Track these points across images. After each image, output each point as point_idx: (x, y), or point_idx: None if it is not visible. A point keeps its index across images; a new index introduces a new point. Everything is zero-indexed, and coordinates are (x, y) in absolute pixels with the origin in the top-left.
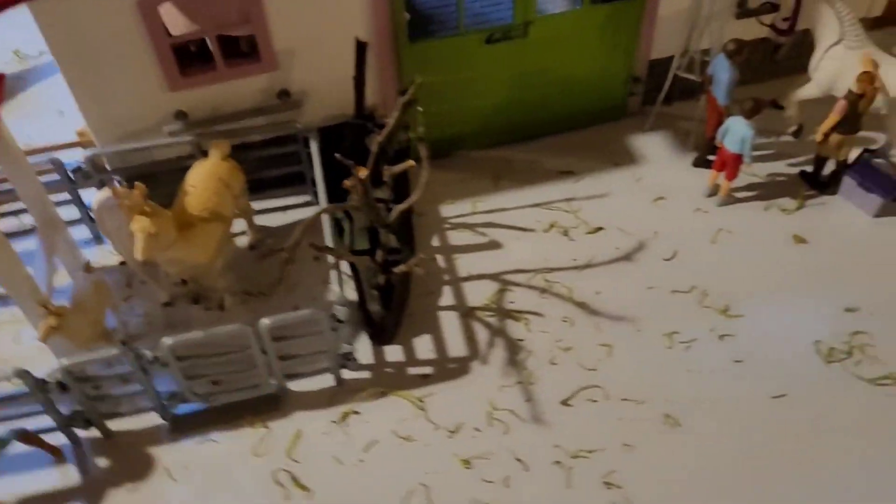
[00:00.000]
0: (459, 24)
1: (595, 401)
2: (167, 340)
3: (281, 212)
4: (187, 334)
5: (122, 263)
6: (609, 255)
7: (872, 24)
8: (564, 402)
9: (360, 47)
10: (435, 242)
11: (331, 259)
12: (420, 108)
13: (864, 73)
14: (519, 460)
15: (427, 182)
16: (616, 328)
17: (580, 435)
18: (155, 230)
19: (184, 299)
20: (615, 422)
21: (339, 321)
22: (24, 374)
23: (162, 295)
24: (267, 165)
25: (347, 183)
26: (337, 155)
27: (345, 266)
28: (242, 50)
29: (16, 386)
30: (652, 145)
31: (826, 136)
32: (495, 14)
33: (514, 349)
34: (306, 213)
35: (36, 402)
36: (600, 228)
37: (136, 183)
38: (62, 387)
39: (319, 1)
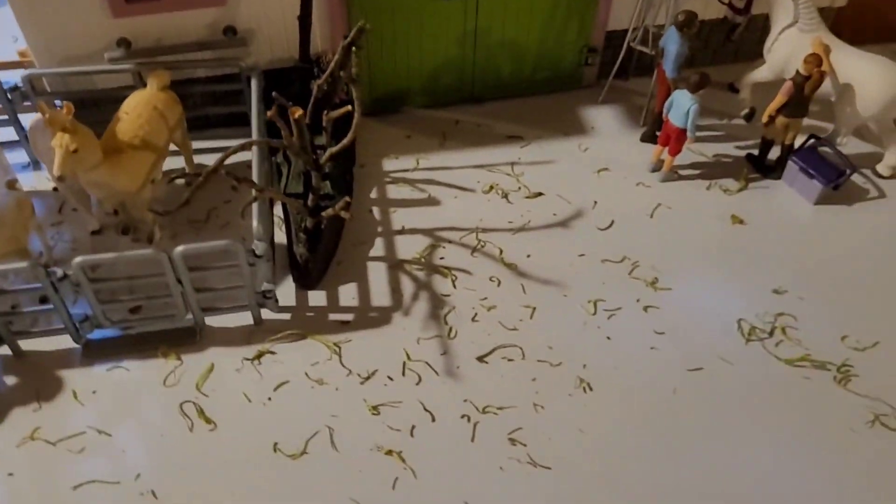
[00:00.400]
0: None
1: (511, 360)
2: (77, 259)
3: (223, 152)
4: (99, 255)
5: (55, 189)
6: (545, 221)
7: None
8: (480, 359)
9: None
10: (373, 195)
11: (253, 193)
12: (355, 49)
13: (811, 55)
14: (427, 411)
15: (359, 125)
16: (542, 291)
17: (492, 392)
18: (75, 147)
19: (113, 229)
20: (529, 382)
21: (257, 256)
22: None
23: (91, 223)
24: (210, 103)
25: (270, 113)
26: (274, 93)
27: (279, 210)
28: None
29: None
30: (603, 117)
31: (772, 117)
32: None
33: (437, 303)
34: (247, 154)
35: None
36: (540, 194)
37: (65, 102)
38: None
39: None
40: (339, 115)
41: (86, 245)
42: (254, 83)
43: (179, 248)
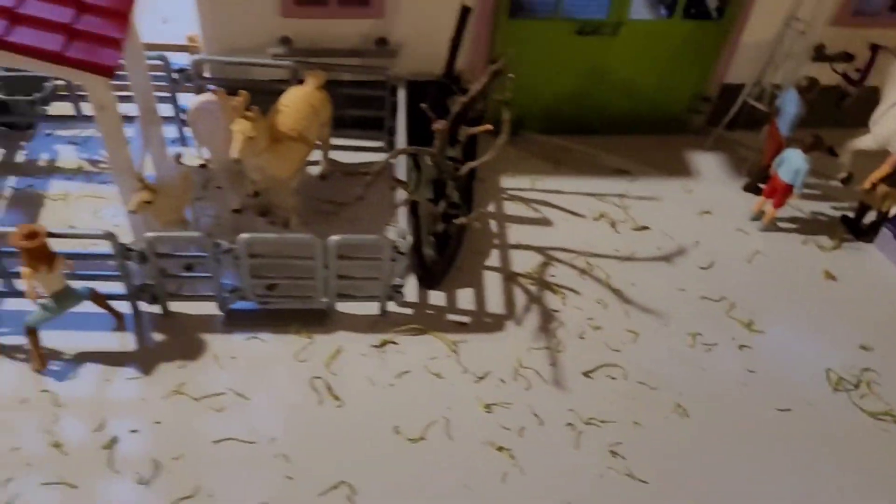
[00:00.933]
0: (558, 10)
1: (614, 378)
2: (244, 236)
3: (352, 151)
4: (263, 234)
5: (202, 166)
6: (649, 253)
7: None
8: (586, 374)
9: (464, 12)
10: (490, 208)
11: (401, 197)
12: (511, 76)
13: None
14: (535, 415)
15: (502, 145)
16: (644, 319)
17: (595, 405)
18: (254, 134)
19: (252, 210)
20: (629, 400)
21: (400, 253)
22: (111, 237)
23: (234, 202)
24: (350, 105)
25: (437, 126)
26: (422, 105)
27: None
28: None
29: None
30: (708, 163)
31: (874, 185)
32: (589, 8)
33: (547, 317)
34: (377, 156)
35: (115, 267)
36: (646, 227)
37: (241, 91)
38: (142, 257)
39: None
40: (479, 132)
41: (226, 221)
42: (401, 93)
43: (335, 238)
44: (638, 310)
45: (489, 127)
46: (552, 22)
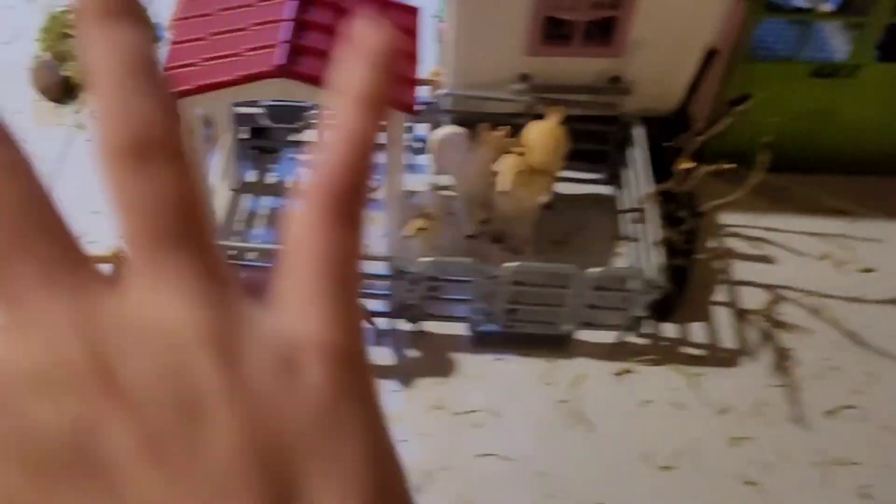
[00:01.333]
0: (799, 53)
1: (857, 420)
2: (510, 265)
3: (569, 182)
4: (526, 263)
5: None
6: (879, 297)
7: None
8: (827, 414)
9: (711, 55)
10: (711, 243)
11: (658, 235)
12: (775, 119)
13: None
14: (780, 452)
15: (754, 185)
16: (882, 362)
17: (840, 446)
18: (522, 169)
19: (485, 236)
20: (875, 443)
21: (654, 287)
22: (392, 260)
23: (468, 227)
24: (576, 138)
25: (684, 165)
26: (666, 143)
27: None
28: (594, 32)
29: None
30: None
31: None
32: (822, 50)
33: (782, 355)
34: (595, 188)
35: (383, 287)
36: (872, 270)
37: (501, 127)
38: (413, 280)
39: (686, 2)
40: (715, 171)
41: (460, 246)
42: (639, 131)
43: (595, 270)
44: (874, 353)
45: (732, 165)
46: (789, 64)
